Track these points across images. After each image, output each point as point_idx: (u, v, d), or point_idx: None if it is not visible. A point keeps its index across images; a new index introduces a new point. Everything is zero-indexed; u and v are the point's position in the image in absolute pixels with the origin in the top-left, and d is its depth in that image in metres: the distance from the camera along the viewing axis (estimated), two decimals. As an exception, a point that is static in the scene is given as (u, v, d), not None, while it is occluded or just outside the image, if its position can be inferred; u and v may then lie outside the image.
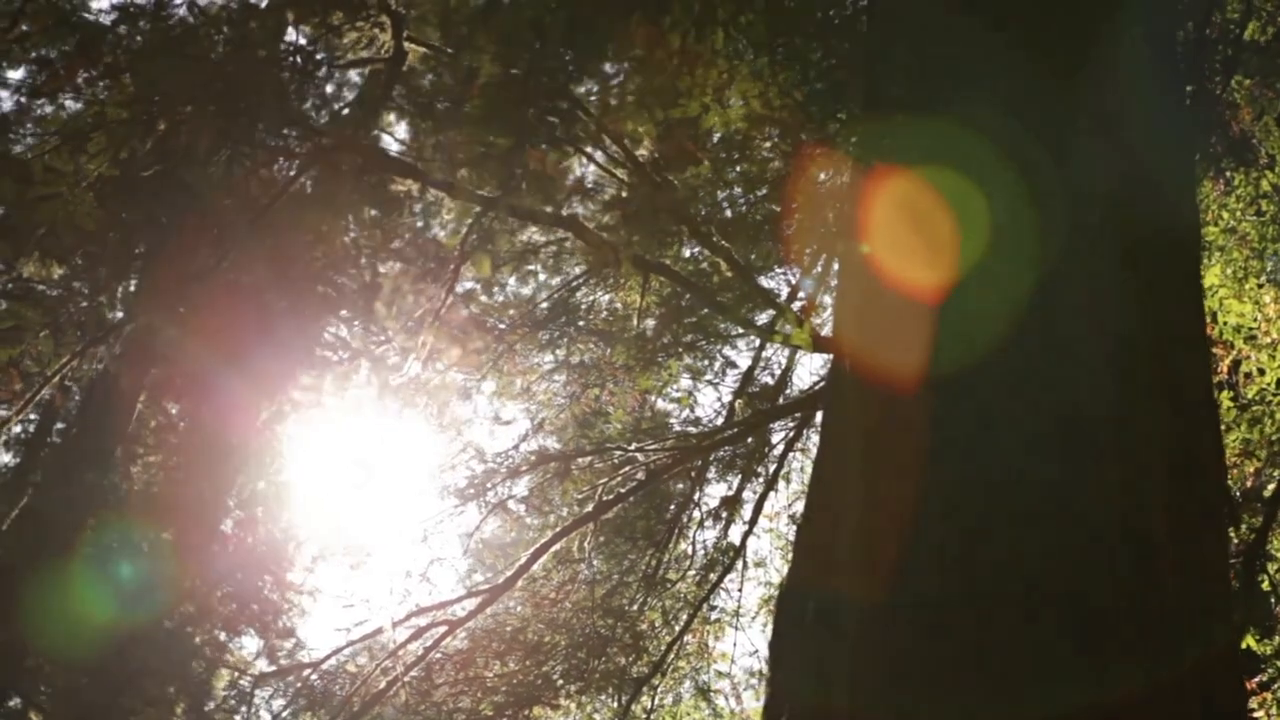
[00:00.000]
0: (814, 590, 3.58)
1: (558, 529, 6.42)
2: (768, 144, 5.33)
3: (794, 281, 7.37)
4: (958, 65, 3.56)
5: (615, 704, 7.12)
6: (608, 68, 4.56)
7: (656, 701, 7.38)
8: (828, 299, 7.37)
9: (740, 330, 7.28)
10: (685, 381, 7.95)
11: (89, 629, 13.88)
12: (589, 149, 5.30)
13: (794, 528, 8.11)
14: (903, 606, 2.81)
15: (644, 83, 4.55)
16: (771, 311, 7.08)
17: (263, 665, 16.26)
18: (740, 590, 7.47)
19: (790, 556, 8.04)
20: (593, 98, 4.93)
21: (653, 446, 6.38)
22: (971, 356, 2.93)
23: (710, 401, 7.69)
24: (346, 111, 5.03)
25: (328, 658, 6.07)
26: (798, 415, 7.33)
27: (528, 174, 4.44)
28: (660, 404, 7.72)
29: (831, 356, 5.27)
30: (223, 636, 16.47)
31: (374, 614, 6.73)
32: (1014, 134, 3.17)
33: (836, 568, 3.36)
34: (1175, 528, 2.61)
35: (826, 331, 6.69)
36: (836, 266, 6.66)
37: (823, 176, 5.82)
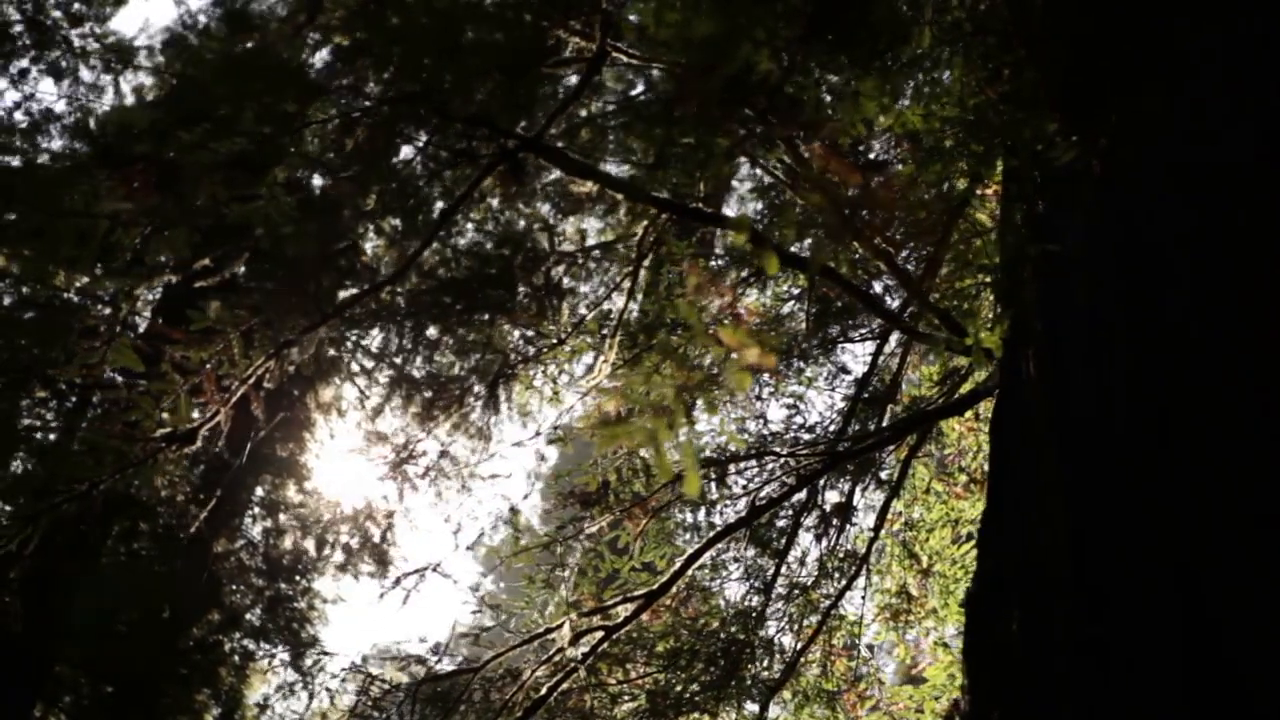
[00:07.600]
0: (1013, 591, 3.56)
1: (710, 535, 6.37)
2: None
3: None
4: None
5: (744, 712, 7.06)
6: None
7: (783, 710, 7.35)
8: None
9: (866, 334, 7.27)
10: (794, 387, 7.93)
11: (115, 636, 13.69)
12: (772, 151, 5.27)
13: (910, 534, 8.10)
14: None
15: (856, 81, 4.51)
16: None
17: (290, 674, 16.10)
18: (865, 598, 7.45)
19: (899, 563, 7.98)
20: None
21: (804, 452, 6.34)
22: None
23: (822, 407, 7.66)
24: (544, 112, 4.97)
25: (490, 661, 5.97)
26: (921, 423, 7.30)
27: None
28: (774, 409, 7.68)
29: (987, 356, 5.24)
30: (250, 644, 16.31)
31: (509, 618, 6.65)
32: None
33: (1036, 566, 3.35)
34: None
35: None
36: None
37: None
